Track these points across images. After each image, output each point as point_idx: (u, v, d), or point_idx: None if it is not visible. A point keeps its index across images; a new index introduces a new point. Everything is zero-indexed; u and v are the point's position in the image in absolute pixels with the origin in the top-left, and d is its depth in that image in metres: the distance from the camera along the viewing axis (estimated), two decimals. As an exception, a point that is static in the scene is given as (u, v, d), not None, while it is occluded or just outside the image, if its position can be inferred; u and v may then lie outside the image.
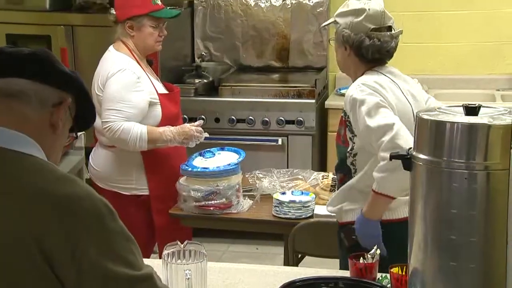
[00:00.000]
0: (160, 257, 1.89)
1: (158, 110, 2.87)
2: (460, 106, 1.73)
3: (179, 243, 1.82)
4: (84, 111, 1.42)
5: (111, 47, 2.91)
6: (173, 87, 3.12)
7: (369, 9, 2.20)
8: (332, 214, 2.39)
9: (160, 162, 2.91)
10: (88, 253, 1.20)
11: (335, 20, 2.28)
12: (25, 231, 1.19)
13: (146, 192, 2.92)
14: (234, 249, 4.20)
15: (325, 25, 2.42)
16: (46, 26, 4.02)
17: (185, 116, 4.19)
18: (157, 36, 2.90)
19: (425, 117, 1.72)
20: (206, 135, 2.93)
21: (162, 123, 2.88)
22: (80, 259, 1.20)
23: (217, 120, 4.17)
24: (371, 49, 2.21)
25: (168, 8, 2.97)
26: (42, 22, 4.06)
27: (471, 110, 1.69)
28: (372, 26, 2.21)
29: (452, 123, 1.63)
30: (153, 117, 2.86)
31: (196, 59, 4.67)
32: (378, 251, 1.90)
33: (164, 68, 4.11)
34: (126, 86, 2.79)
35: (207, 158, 3.03)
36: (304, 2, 4.53)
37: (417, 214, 1.71)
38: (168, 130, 2.82)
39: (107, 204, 1.27)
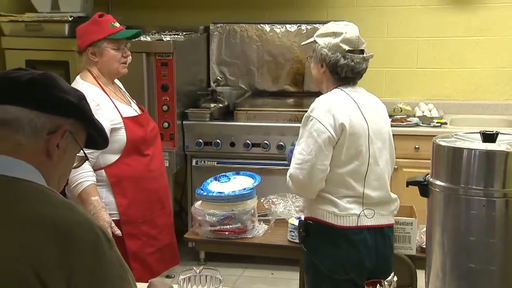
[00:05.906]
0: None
1: (122, 134, 2.86)
2: (478, 132, 1.73)
3: (194, 268, 1.82)
4: (91, 133, 1.41)
5: (77, 77, 2.94)
6: (143, 109, 3.09)
7: (346, 32, 2.44)
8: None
9: (129, 185, 2.87)
10: (83, 281, 1.20)
11: (314, 40, 2.52)
12: (22, 256, 1.18)
13: (117, 217, 2.85)
14: (249, 274, 4.17)
15: (304, 44, 2.66)
16: (64, 52, 4.07)
17: (200, 140, 4.21)
18: (121, 57, 2.92)
19: (442, 143, 1.71)
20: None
21: (128, 146, 2.87)
22: (75, 286, 1.19)
23: (232, 144, 4.18)
24: (345, 68, 2.43)
25: (126, 29, 2.97)
26: (60, 48, 4.11)
27: (489, 137, 1.68)
28: (348, 48, 2.43)
29: (470, 149, 1.63)
30: (118, 141, 2.85)
31: (211, 83, 4.70)
32: (395, 278, 1.89)
33: (180, 92, 4.14)
34: None
35: (222, 182, 3.03)
36: (318, 27, 4.54)
37: (435, 241, 1.69)
38: (94, 208, 2.71)
39: (105, 232, 1.27)
